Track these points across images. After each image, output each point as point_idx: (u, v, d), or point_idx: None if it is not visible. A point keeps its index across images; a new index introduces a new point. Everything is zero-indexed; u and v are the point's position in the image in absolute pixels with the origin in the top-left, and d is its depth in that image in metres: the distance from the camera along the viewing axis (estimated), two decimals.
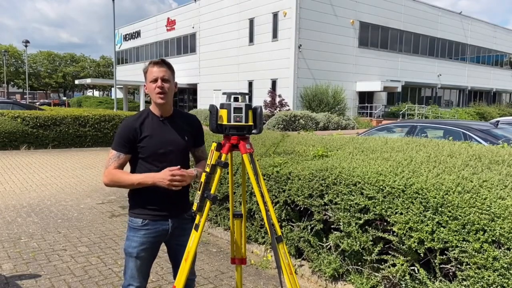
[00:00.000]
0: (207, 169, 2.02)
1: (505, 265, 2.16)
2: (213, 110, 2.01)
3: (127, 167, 2.23)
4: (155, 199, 2.16)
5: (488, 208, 2.27)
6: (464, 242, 2.33)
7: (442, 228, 2.44)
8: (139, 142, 2.13)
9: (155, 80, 2.09)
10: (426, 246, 2.52)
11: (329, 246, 3.34)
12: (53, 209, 5.76)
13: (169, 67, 2.15)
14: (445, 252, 2.48)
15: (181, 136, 2.22)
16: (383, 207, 2.76)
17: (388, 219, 2.74)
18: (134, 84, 35.13)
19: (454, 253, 2.39)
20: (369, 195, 2.85)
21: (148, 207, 2.18)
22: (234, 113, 1.96)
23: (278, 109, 23.55)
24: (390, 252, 2.87)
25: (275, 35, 25.81)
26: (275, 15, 25.71)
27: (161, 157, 2.15)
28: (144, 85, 2.20)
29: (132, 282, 2.22)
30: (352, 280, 3.12)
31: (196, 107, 32.47)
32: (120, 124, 2.20)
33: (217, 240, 4.64)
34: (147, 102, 31.88)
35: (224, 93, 2.06)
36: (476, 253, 2.27)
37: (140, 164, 2.17)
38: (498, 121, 7.79)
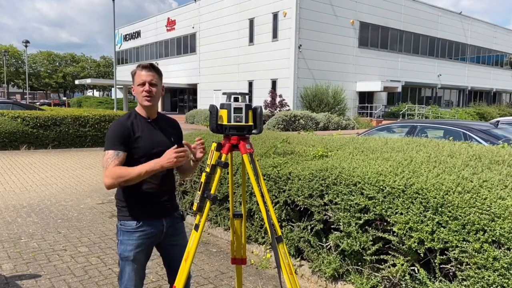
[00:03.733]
0: (207, 169, 2.02)
1: (505, 265, 2.16)
2: (213, 110, 2.01)
3: None
4: (147, 200, 2.18)
5: (488, 208, 2.27)
6: (464, 242, 2.33)
7: (442, 228, 2.44)
8: (133, 142, 2.13)
9: (143, 84, 2.13)
10: (426, 246, 2.52)
11: (329, 246, 3.34)
12: (53, 209, 5.76)
13: (157, 72, 2.19)
14: (445, 252, 2.48)
15: (167, 138, 2.25)
16: (383, 207, 2.76)
17: (388, 219, 2.74)
18: None
19: (454, 253, 2.39)
20: (369, 195, 2.85)
21: (141, 208, 2.18)
22: (234, 113, 1.97)
23: (278, 109, 23.54)
24: (390, 252, 2.87)
25: (275, 35, 25.83)
26: (275, 15, 25.72)
27: (154, 157, 2.13)
28: (132, 87, 2.23)
29: (129, 286, 2.22)
30: (352, 280, 3.12)
31: (196, 107, 32.46)
32: (110, 126, 2.17)
33: (217, 240, 4.64)
34: None
35: (224, 93, 2.07)
36: (476, 253, 2.27)
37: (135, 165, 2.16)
38: (498, 121, 7.79)
